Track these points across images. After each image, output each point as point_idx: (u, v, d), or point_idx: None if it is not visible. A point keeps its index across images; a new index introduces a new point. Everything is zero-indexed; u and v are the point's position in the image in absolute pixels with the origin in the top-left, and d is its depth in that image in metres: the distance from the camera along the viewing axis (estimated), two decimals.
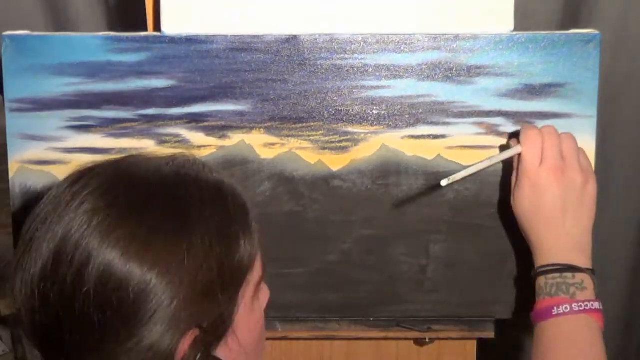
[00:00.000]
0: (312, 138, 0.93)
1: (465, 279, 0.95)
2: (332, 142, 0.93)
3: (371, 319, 0.97)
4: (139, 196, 0.66)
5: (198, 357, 0.64)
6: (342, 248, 0.95)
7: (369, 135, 0.93)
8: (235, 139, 0.93)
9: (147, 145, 0.93)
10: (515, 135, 0.90)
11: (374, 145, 0.93)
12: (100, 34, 0.92)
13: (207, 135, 0.93)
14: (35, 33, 0.93)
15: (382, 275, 0.95)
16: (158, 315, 0.62)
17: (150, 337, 0.62)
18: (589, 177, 0.86)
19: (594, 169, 0.93)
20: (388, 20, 0.93)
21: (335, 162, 0.93)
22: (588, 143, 0.92)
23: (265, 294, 0.76)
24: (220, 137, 0.93)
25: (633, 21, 1.23)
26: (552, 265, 0.84)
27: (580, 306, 0.82)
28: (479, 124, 0.93)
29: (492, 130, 0.93)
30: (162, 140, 0.93)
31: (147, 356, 0.63)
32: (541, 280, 0.85)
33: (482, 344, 1.02)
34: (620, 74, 1.25)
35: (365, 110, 0.93)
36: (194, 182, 0.68)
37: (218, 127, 0.93)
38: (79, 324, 0.63)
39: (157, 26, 0.94)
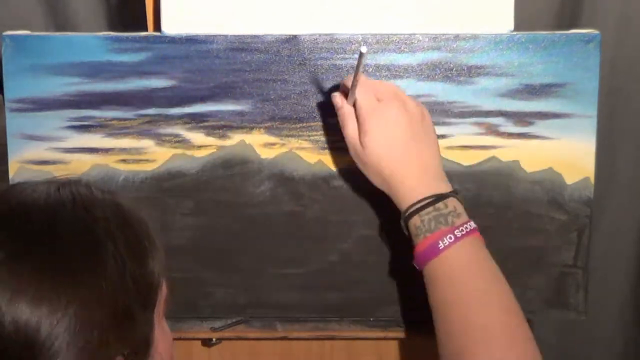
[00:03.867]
0: (312, 138, 0.93)
1: None
2: (332, 142, 0.93)
3: (371, 319, 0.97)
4: (38, 226, 0.62)
5: None
6: (342, 248, 0.95)
7: None
8: (235, 139, 0.93)
9: (147, 145, 0.93)
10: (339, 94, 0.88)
11: None
12: (100, 34, 0.92)
13: (207, 135, 0.93)
14: (35, 33, 0.93)
15: (382, 275, 0.95)
16: (74, 356, 0.59)
17: None
18: (422, 106, 0.87)
19: (594, 168, 0.93)
20: (388, 20, 0.93)
21: (336, 162, 0.93)
22: (588, 143, 0.92)
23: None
24: (220, 137, 0.93)
25: (633, 21, 1.22)
26: (422, 200, 0.83)
27: (462, 230, 0.81)
28: (479, 124, 0.93)
29: (492, 130, 0.93)
30: (162, 140, 0.93)
31: None
32: (416, 220, 0.83)
33: None
34: (620, 73, 1.25)
35: None
36: (92, 202, 0.65)
37: (218, 127, 0.93)
38: None
39: (157, 26, 0.94)
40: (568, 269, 0.95)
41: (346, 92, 0.87)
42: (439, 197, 0.83)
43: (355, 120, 0.86)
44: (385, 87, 0.87)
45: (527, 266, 0.94)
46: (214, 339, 0.99)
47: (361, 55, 0.80)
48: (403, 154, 0.84)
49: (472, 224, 0.83)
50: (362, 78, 0.85)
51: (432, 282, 0.83)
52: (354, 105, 0.86)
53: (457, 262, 0.81)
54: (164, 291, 0.69)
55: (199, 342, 1.02)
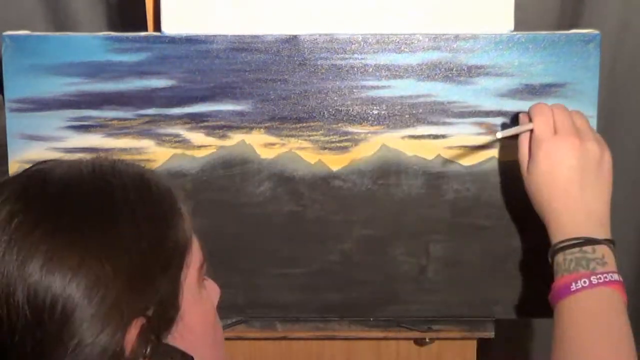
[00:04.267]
0: (312, 138, 0.93)
1: (465, 279, 0.95)
2: (332, 142, 0.93)
3: (371, 319, 0.97)
4: (56, 192, 0.63)
5: (149, 347, 0.62)
6: (342, 248, 0.95)
7: (369, 135, 0.93)
8: (235, 139, 0.93)
9: (147, 145, 0.93)
10: (525, 114, 0.89)
11: (374, 145, 0.93)
12: (100, 34, 0.92)
13: (207, 135, 0.93)
14: (35, 33, 0.93)
15: (382, 275, 0.95)
16: (90, 314, 0.60)
17: (87, 339, 0.59)
18: (604, 148, 0.84)
19: None
20: (388, 20, 0.93)
21: (335, 162, 0.93)
22: None
23: (213, 289, 0.73)
24: (220, 137, 0.93)
25: (633, 21, 1.22)
26: (570, 239, 0.81)
27: (600, 278, 0.78)
28: (479, 124, 0.93)
29: (492, 130, 0.93)
30: (162, 140, 0.93)
31: (92, 356, 0.60)
32: (559, 257, 0.81)
33: (482, 344, 1.02)
34: (620, 73, 1.25)
35: (365, 110, 0.93)
36: (113, 171, 0.66)
37: (218, 127, 0.93)
38: (20, 346, 0.60)
39: (157, 26, 0.94)
40: None
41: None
42: (589, 241, 0.81)
43: (527, 146, 0.86)
44: (565, 118, 0.85)
45: (527, 266, 0.94)
46: None
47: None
48: (563, 194, 0.83)
49: (616, 276, 0.79)
50: (542, 107, 0.86)
51: (557, 320, 0.81)
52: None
53: (586, 309, 0.79)
54: (194, 259, 0.69)
55: None
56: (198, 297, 0.69)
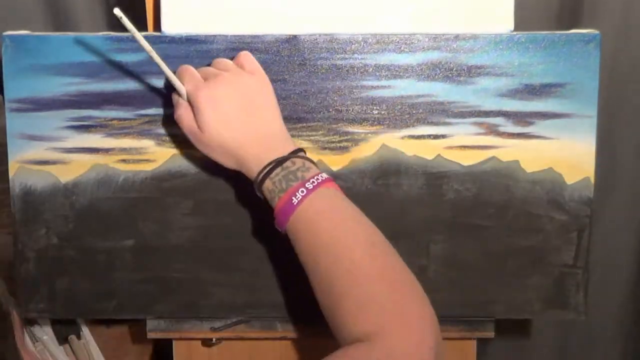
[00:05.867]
0: (312, 138, 0.93)
1: (465, 279, 0.95)
2: (332, 142, 0.93)
3: None
4: None
5: None
6: None
7: (369, 135, 0.93)
8: None
9: (147, 145, 0.93)
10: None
11: (374, 145, 0.93)
12: (100, 34, 0.92)
13: None
14: (35, 33, 0.93)
15: None
16: None
17: None
18: (257, 71, 0.86)
19: (594, 168, 0.93)
20: (388, 20, 0.93)
21: (336, 162, 0.93)
22: (588, 143, 0.92)
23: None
24: None
25: (634, 21, 1.22)
26: (269, 164, 0.82)
27: (313, 182, 0.81)
28: (479, 124, 0.93)
29: (492, 130, 0.93)
30: (162, 140, 0.93)
31: None
32: (268, 185, 0.82)
33: (482, 344, 1.02)
34: (620, 73, 1.25)
35: (365, 110, 0.93)
36: None
37: None
38: None
39: (157, 26, 0.94)
40: (568, 269, 0.95)
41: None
42: (285, 158, 0.83)
43: (189, 108, 0.85)
44: (211, 68, 0.86)
45: (527, 266, 0.94)
46: (214, 339, 0.99)
47: (122, 20, 0.81)
48: (239, 124, 0.83)
49: (324, 175, 0.82)
50: (187, 68, 0.85)
51: (295, 239, 0.82)
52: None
53: (314, 213, 0.80)
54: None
55: (199, 342, 1.02)
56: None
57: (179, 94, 0.86)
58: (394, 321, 0.75)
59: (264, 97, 0.86)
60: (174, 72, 0.86)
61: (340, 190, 0.84)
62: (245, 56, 0.87)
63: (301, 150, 0.84)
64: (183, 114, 0.85)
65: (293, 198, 0.81)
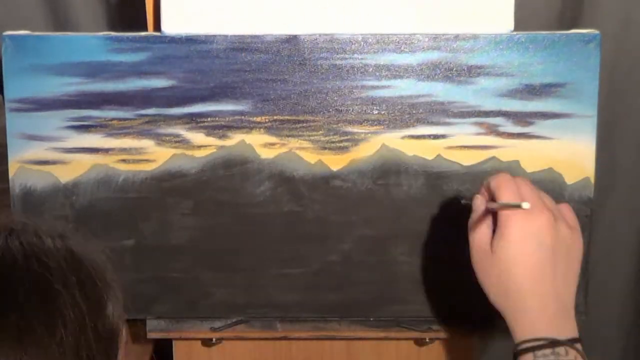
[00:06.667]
0: (312, 138, 0.93)
1: (465, 279, 0.95)
2: (332, 142, 0.93)
3: (371, 319, 0.97)
4: None
5: None
6: (342, 248, 0.95)
7: (369, 135, 0.93)
8: (235, 139, 0.93)
9: (147, 145, 0.93)
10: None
11: (374, 145, 0.93)
12: (100, 34, 0.92)
13: (207, 135, 0.93)
14: (35, 33, 0.93)
15: (382, 275, 0.95)
16: None
17: None
18: (576, 231, 0.77)
19: (594, 168, 0.93)
20: (388, 20, 0.93)
21: (335, 162, 0.93)
22: (588, 143, 0.92)
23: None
24: (220, 137, 0.93)
25: (634, 21, 1.22)
26: (540, 339, 0.73)
27: None
28: (479, 124, 0.93)
29: (492, 130, 0.93)
30: (162, 140, 0.93)
31: None
32: (529, 357, 0.73)
33: (482, 344, 1.02)
34: (620, 73, 1.25)
35: (365, 110, 0.93)
36: (45, 252, 0.62)
37: (218, 127, 0.93)
38: None
39: (157, 26, 0.94)
40: None
41: (488, 199, 0.80)
42: (562, 342, 0.73)
43: (490, 226, 0.77)
44: (532, 192, 0.76)
45: None
46: (214, 339, 0.99)
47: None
48: (538, 271, 0.74)
49: None
50: (506, 176, 0.78)
51: None
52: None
53: None
54: (124, 336, 0.66)
55: (199, 342, 1.02)
56: None
57: (482, 199, 0.79)
58: None
59: (574, 260, 0.76)
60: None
61: None
62: (568, 208, 0.79)
63: (579, 340, 0.74)
64: (482, 227, 0.78)
65: None
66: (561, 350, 0.73)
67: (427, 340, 0.98)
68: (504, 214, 0.75)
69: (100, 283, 0.64)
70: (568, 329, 0.74)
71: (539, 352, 0.73)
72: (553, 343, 0.73)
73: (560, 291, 0.75)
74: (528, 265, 0.74)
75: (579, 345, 0.74)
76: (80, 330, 0.60)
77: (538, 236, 0.74)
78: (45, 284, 0.60)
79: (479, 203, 0.79)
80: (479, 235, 0.78)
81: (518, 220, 0.74)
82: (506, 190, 0.76)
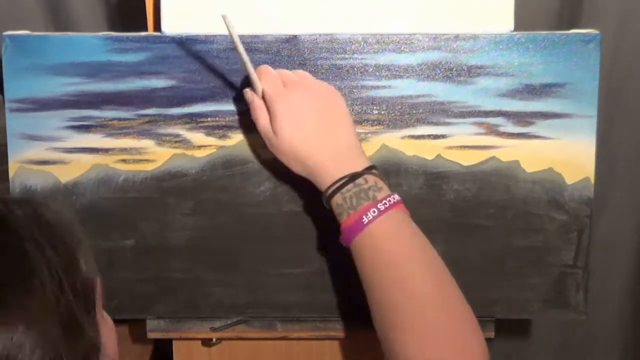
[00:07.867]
0: None
1: (465, 279, 0.95)
2: None
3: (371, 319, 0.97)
4: None
5: None
6: (342, 248, 0.94)
7: (369, 135, 0.93)
8: (235, 139, 0.93)
9: (147, 145, 0.93)
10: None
11: (374, 145, 0.93)
12: (100, 34, 0.92)
13: (207, 135, 0.93)
14: (35, 33, 0.93)
15: None
16: None
17: None
18: (333, 90, 0.87)
19: (594, 168, 0.93)
20: (388, 20, 0.93)
21: None
22: (588, 143, 0.92)
23: (107, 316, 0.71)
24: (220, 137, 0.93)
25: (633, 21, 1.22)
26: (340, 179, 0.82)
27: (385, 204, 0.81)
28: (479, 124, 0.93)
29: (492, 130, 0.93)
30: (162, 140, 0.93)
31: None
32: (338, 199, 0.82)
33: None
34: (620, 73, 1.25)
35: (365, 110, 0.93)
36: (14, 220, 0.63)
37: (218, 127, 0.93)
38: None
39: (157, 26, 0.94)
40: (568, 269, 0.95)
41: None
42: (358, 174, 0.82)
43: (266, 111, 0.85)
44: (290, 73, 0.87)
45: (527, 266, 0.94)
46: (214, 339, 0.99)
47: (227, 25, 0.81)
48: (315, 135, 0.83)
49: (396, 197, 0.82)
50: (267, 68, 0.86)
51: (360, 256, 0.82)
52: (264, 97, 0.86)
53: (383, 234, 0.80)
54: (99, 287, 0.68)
55: (199, 342, 1.02)
56: (105, 319, 0.68)
57: (254, 91, 0.87)
58: (456, 354, 0.76)
59: (340, 109, 0.86)
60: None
61: (408, 213, 0.83)
62: (306, 74, 0.88)
63: (374, 167, 0.84)
64: (260, 114, 0.85)
65: (364, 217, 0.81)
66: (361, 180, 0.82)
67: None
68: (268, 98, 0.84)
69: (72, 242, 0.65)
70: (360, 162, 0.83)
71: (344, 189, 0.82)
72: (352, 177, 0.82)
73: (341, 136, 0.84)
74: (303, 131, 0.84)
75: (375, 171, 0.83)
76: (60, 289, 0.61)
77: (300, 106, 0.84)
78: (18, 249, 0.61)
79: (250, 94, 0.87)
80: (262, 122, 0.85)
81: (279, 98, 0.84)
82: (264, 73, 0.86)
